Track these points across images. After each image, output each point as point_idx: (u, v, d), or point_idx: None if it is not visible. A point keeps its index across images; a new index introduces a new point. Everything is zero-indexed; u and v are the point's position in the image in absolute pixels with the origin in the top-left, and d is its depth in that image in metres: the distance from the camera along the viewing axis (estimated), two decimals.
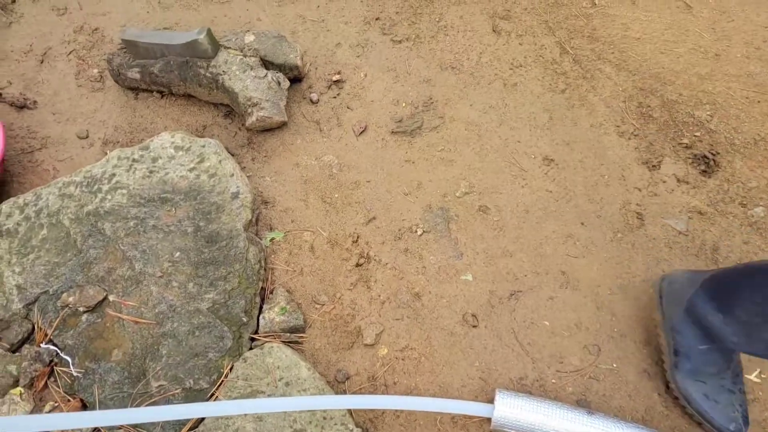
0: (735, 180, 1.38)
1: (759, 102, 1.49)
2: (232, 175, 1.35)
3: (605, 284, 1.26)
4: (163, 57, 1.50)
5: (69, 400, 1.15)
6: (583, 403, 1.13)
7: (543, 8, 1.72)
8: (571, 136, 1.46)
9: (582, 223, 1.33)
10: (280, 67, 1.50)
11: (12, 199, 1.34)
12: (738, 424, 1.06)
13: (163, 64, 1.49)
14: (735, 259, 1.26)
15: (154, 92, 1.61)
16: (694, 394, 1.07)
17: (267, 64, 1.50)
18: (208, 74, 1.45)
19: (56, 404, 1.14)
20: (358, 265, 1.31)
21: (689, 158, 1.42)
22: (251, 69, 1.44)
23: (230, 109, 1.56)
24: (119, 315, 1.20)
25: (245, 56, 1.46)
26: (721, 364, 1.06)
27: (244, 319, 1.20)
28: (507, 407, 1.02)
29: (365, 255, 1.32)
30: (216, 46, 1.46)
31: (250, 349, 1.19)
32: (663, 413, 1.13)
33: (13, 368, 1.16)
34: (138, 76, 1.54)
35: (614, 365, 1.17)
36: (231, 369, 1.15)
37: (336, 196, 1.42)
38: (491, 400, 1.07)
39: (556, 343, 1.20)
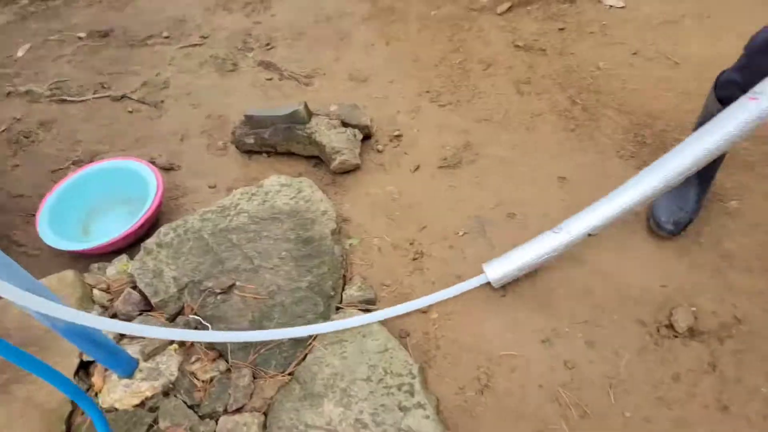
0: (715, 183, 1.80)
1: None
2: (321, 200, 1.96)
3: None
4: (272, 125, 2.21)
5: (208, 352, 1.68)
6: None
7: (557, 74, 2.32)
8: (580, 162, 1.96)
9: None
10: (355, 127, 2.16)
11: (167, 224, 2.00)
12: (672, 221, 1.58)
13: (272, 130, 2.20)
14: (714, 239, 1.66)
15: (263, 153, 2.31)
16: None
17: (345, 124, 2.16)
18: (304, 134, 2.13)
19: (199, 356, 1.68)
20: (414, 259, 1.82)
21: None
22: (335, 128, 2.10)
23: (318, 160, 2.22)
24: (243, 294, 1.76)
25: (330, 119, 2.14)
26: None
27: (332, 294, 1.72)
28: (495, 268, 1.62)
29: (419, 252, 1.83)
30: (310, 114, 2.15)
31: (336, 313, 1.70)
32: None
33: None
34: (252, 140, 2.25)
35: None
36: None
37: (397, 213, 1.97)
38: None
39: None
